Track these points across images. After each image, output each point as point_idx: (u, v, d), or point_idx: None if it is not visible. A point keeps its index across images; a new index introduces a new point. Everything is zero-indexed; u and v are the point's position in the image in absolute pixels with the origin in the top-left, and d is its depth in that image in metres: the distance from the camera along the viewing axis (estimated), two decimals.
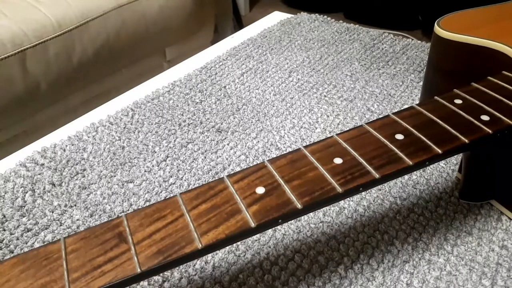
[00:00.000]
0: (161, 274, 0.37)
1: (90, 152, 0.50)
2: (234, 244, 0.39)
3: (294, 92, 0.60)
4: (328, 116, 0.56)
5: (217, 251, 0.38)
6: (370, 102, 0.58)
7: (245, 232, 0.24)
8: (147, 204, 0.44)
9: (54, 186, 0.46)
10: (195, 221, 0.24)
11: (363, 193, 0.44)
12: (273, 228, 0.40)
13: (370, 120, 0.54)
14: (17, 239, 0.40)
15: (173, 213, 0.24)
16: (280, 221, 0.24)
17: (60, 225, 0.41)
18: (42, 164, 0.48)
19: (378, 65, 0.66)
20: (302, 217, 0.42)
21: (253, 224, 0.24)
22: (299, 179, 0.26)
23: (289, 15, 0.83)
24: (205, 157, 0.49)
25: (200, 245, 0.23)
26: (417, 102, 0.57)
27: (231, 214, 0.24)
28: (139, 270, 0.22)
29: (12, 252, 0.39)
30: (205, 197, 0.25)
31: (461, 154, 0.44)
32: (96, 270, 0.22)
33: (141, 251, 0.22)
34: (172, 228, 0.24)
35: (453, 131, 0.30)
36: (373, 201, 0.43)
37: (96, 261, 0.22)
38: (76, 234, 0.23)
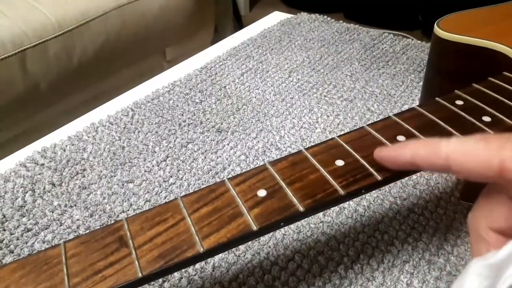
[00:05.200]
0: None
1: (90, 152, 0.50)
2: None
3: (294, 92, 0.60)
4: (328, 116, 0.55)
5: None
6: (370, 102, 0.58)
7: (247, 236, 0.24)
8: (147, 204, 0.44)
9: (54, 186, 0.46)
10: (197, 225, 0.24)
11: None
12: None
13: (370, 120, 0.54)
14: (17, 239, 0.40)
15: (174, 217, 0.24)
16: (282, 224, 0.24)
17: (60, 225, 0.41)
18: (42, 164, 0.48)
19: (378, 65, 0.66)
20: None
21: (255, 228, 0.24)
22: (300, 182, 0.26)
23: (289, 15, 0.83)
24: (205, 157, 0.49)
25: (202, 249, 0.23)
26: (417, 102, 0.57)
27: (232, 217, 0.24)
28: (140, 274, 0.22)
29: (12, 252, 0.39)
30: (206, 200, 0.25)
31: None
32: (97, 275, 0.22)
33: (142, 255, 0.22)
34: (173, 231, 0.23)
35: (454, 132, 0.30)
36: (373, 201, 0.43)
37: (97, 266, 0.22)
38: (76, 238, 0.23)
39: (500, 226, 0.22)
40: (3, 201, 0.44)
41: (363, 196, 0.44)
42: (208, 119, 0.55)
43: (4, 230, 0.41)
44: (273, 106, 0.58)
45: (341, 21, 0.80)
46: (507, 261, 0.19)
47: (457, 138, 0.22)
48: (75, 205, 0.44)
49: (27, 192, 0.45)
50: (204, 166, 0.48)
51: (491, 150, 0.20)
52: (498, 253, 0.19)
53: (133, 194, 0.45)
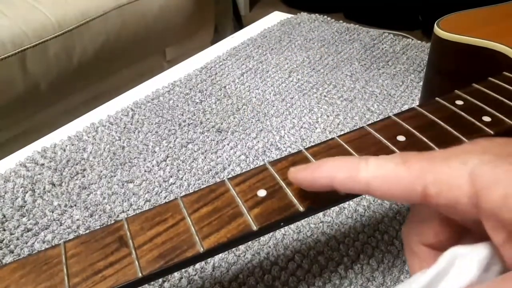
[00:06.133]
0: None
1: (90, 152, 0.50)
2: None
3: (294, 92, 0.60)
4: (328, 116, 0.55)
5: None
6: (370, 102, 0.58)
7: (247, 236, 0.23)
8: (147, 204, 0.44)
9: (54, 186, 0.46)
10: (197, 225, 0.24)
11: None
12: None
13: (370, 120, 0.54)
14: (17, 239, 0.40)
15: (174, 217, 0.24)
16: (282, 224, 0.24)
17: (60, 225, 0.41)
18: (42, 164, 0.48)
19: (378, 65, 0.66)
20: None
21: (255, 228, 0.24)
22: None
23: (289, 15, 0.83)
24: (205, 157, 0.49)
25: (202, 249, 0.23)
26: (417, 102, 0.57)
27: (232, 217, 0.24)
28: (140, 274, 0.22)
29: (12, 252, 0.39)
30: (206, 200, 0.25)
31: None
32: (97, 275, 0.21)
33: (142, 255, 0.22)
34: (173, 231, 0.23)
35: (454, 132, 0.30)
36: (373, 201, 0.43)
37: (96, 266, 0.22)
38: (76, 238, 0.23)
39: (430, 241, 0.22)
40: (3, 201, 0.44)
41: (363, 196, 0.44)
42: (208, 119, 0.55)
43: (4, 230, 0.41)
44: (273, 106, 0.58)
45: (341, 21, 0.80)
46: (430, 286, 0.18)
47: (375, 160, 0.20)
48: (75, 205, 0.44)
49: (27, 192, 0.45)
50: (204, 166, 0.48)
51: (413, 175, 0.19)
52: (420, 278, 0.19)
53: (133, 194, 0.45)
